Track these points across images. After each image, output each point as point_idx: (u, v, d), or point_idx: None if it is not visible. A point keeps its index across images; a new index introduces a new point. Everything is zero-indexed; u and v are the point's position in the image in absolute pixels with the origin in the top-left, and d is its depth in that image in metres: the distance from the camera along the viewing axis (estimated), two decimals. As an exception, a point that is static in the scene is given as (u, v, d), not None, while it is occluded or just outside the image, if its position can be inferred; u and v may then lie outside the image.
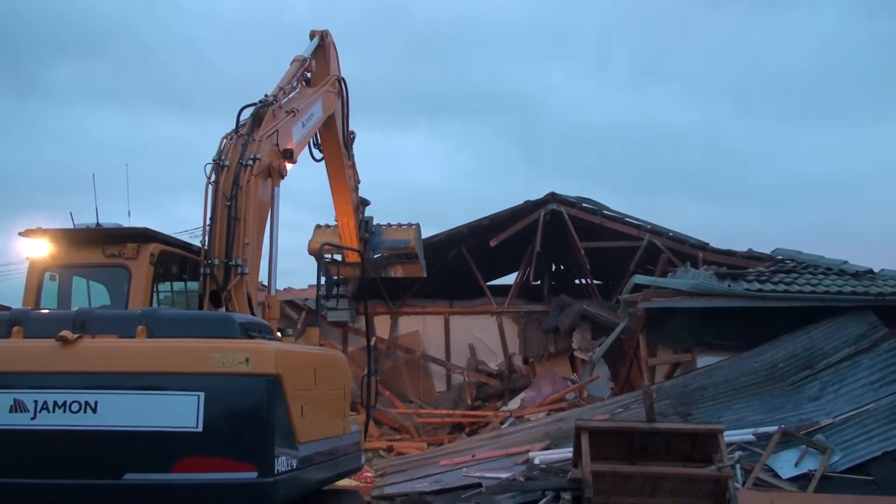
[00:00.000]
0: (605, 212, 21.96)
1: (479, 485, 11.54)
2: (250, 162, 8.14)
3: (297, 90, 10.01)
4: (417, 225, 15.05)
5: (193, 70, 69.90)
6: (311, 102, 10.18)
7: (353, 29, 63.58)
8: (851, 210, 57.50)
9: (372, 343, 21.58)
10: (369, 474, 13.91)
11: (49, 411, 5.96)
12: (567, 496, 10.21)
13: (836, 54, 65.31)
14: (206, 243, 8.02)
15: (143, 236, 8.00)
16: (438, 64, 71.29)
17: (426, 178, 68.31)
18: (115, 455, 5.96)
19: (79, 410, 5.96)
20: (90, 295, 8.30)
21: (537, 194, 21.90)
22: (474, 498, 10.46)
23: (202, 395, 5.98)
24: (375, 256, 12.83)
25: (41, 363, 6.14)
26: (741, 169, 65.29)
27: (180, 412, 5.96)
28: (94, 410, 5.96)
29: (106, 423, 5.95)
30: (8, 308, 9.35)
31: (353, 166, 12.58)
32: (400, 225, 14.79)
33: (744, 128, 67.84)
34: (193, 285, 8.51)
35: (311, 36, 11.33)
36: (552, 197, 21.76)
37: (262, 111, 8.79)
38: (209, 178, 8.12)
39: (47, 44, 66.33)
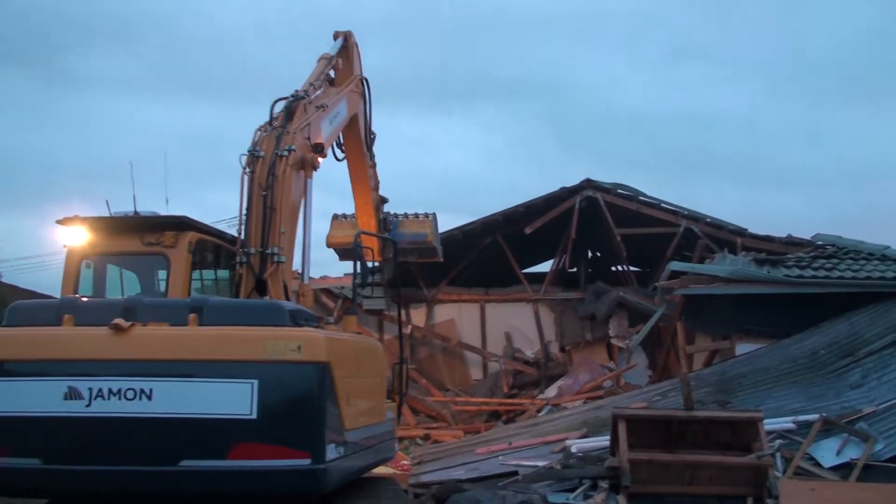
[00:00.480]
0: (641, 198, 21.77)
1: (516, 473, 11.52)
2: (286, 153, 8.24)
3: (322, 90, 10.12)
4: (434, 215, 15.09)
5: (225, 60, 70.37)
6: (338, 100, 10.36)
7: (385, 15, 63.62)
8: (894, 194, 56.34)
9: (408, 331, 21.74)
10: (406, 462, 13.97)
11: (104, 398, 6.05)
12: (604, 484, 10.16)
13: (878, 35, 63.88)
14: (243, 232, 8.09)
15: (182, 224, 8.07)
16: (471, 48, 70.96)
17: (460, 165, 68.22)
18: (170, 442, 6.05)
19: (134, 398, 6.04)
20: (122, 283, 8.39)
21: (572, 179, 21.84)
22: (510, 486, 10.44)
23: (256, 382, 6.06)
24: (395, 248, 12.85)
25: (95, 351, 6.22)
26: (780, 153, 64.22)
27: (235, 399, 6.04)
28: (150, 398, 6.04)
29: (161, 410, 6.03)
30: (50, 297, 9.47)
31: (375, 166, 12.66)
32: (416, 215, 14.84)
33: (783, 110, 66.71)
34: (223, 273, 8.60)
35: (335, 37, 11.52)
36: (587, 183, 21.61)
37: (294, 105, 8.95)
38: (245, 168, 8.20)
39: (81, 34, 67.28)
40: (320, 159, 9.06)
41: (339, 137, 11.12)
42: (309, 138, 8.81)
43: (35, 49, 64.49)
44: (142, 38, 66.22)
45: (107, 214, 8.42)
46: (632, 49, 70.65)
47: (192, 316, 6.37)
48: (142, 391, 6.04)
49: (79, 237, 8.07)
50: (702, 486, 10.04)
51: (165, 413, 6.03)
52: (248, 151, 8.27)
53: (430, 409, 20.47)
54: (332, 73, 10.88)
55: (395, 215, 14.14)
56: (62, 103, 68.88)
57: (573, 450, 11.93)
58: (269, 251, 7.96)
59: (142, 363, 6.15)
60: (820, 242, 18.23)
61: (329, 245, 14.86)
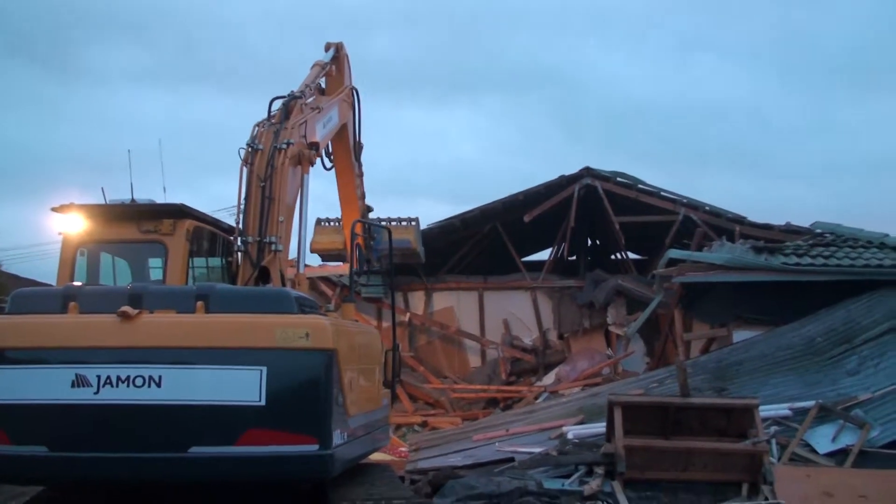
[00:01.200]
0: (640, 186, 21.74)
1: (512, 459, 11.60)
2: (284, 146, 8.36)
3: (314, 97, 10.23)
4: (417, 221, 15.60)
5: (237, 51, 70.22)
6: (331, 105, 10.54)
7: (395, 7, 63.38)
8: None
9: (405, 319, 21.82)
10: (403, 449, 14.06)
11: (112, 386, 6.05)
12: (600, 470, 10.23)
13: (885, 25, 63.56)
14: (241, 221, 8.14)
15: (179, 212, 8.08)
16: (480, 39, 70.81)
17: (467, 155, 68.24)
18: (180, 429, 6.07)
19: (143, 385, 6.05)
20: (115, 271, 8.39)
21: (577, 169, 21.74)
22: (507, 472, 10.51)
23: (264, 369, 6.09)
24: (377, 257, 13.06)
25: (102, 338, 6.22)
26: (786, 143, 64.12)
27: (244, 386, 6.07)
28: (159, 385, 6.05)
29: (171, 397, 6.05)
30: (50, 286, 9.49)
31: (362, 176, 12.78)
32: (400, 221, 15.14)
33: (793, 101, 66.51)
34: (215, 261, 8.64)
35: (327, 48, 11.66)
36: (587, 171, 21.58)
37: (291, 103, 9.11)
38: (244, 161, 8.26)
39: (92, 26, 67.10)
40: (316, 157, 9.21)
41: (328, 146, 11.22)
42: (305, 136, 8.92)
43: (46, 43, 64.31)
44: (153, 30, 66.09)
45: (102, 202, 8.42)
46: (641, 40, 70.54)
47: (199, 303, 6.39)
48: (150, 378, 6.05)
49: (75, 225, 8.03)
50: (697, 473, 10.10)
51: (174, 400, 6.04)
52: (247, 145, 8.36)
53: (428, 396, 20.57)
54: (322, 82, 11.07)
55: (379, 220, 14.29)
56: (73, 96, 68.87)
57: (570, 436, 12.01)
58: (266, 240, 8.01)
59: (150, 350, 6.15)
60: (818, 230, 18.22)
61: (313, 251, 15.12)
